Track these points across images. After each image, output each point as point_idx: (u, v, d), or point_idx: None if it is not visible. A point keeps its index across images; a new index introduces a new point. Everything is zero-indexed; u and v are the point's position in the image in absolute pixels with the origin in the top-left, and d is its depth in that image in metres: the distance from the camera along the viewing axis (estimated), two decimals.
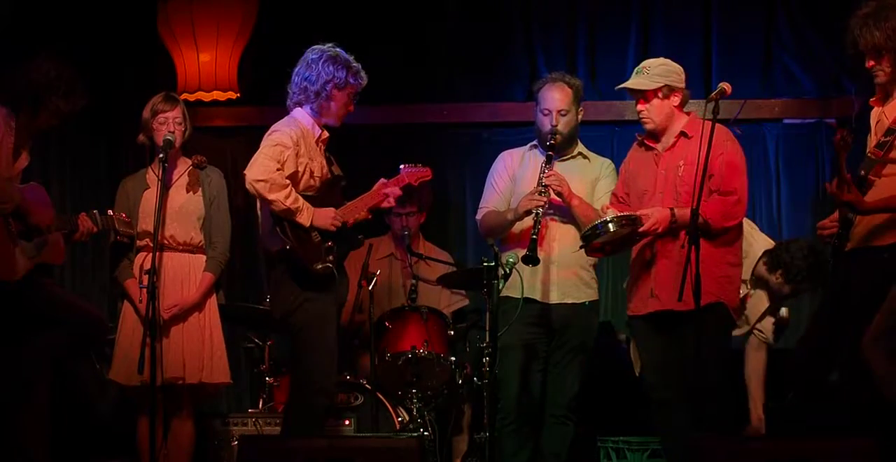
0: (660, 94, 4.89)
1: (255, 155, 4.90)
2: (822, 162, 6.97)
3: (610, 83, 7.02)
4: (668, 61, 4.98)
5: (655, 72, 4.90)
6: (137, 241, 5.28)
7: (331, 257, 4.97)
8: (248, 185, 4.87)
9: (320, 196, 5.04)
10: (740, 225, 4.92)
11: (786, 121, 7.02)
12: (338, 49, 5.08)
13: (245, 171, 4.89)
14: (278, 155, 4.88)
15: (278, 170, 4.85)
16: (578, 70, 6.96)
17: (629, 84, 4.94)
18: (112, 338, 5.36)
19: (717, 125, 4.63)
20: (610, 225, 4.74)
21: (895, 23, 4.31)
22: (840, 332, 4.47)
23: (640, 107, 4.93)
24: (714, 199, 4.78)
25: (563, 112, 5.19)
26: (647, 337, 4.97)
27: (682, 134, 4.88)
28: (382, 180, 5.24)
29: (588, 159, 5.38)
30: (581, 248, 4.92)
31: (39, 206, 4.78)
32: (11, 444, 4.80)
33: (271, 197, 4.83)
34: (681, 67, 4.98)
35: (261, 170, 4.83)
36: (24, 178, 4.88)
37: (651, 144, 4.99)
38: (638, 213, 4.79)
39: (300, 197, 4.93)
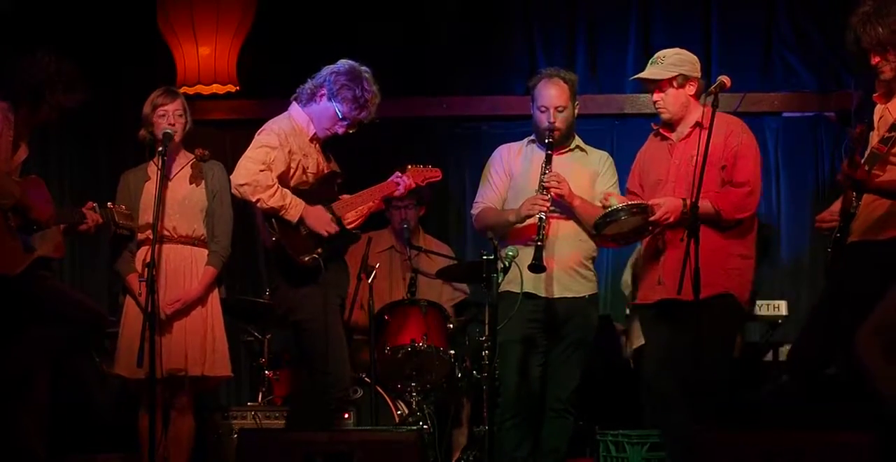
0: (674, 84, 4.87)
1: (241, 159, 4.94)
2: (821, 155, 6.99)
3: (610, 76, 7.09)
4: (683, 51, 4.94)
5: (669, 61, 4.88)
6: (138, 234, 5.29)
7: (319, 250, 4.97)
8: (233, 190, 4.93)
9: (312, 191, 5.04)
10: (754, 217, 4.89)
11: (785, 114, 7.03)
12: (364, 73, 5.01)
13: (231, 176, 4.93)
14: (263, 156, 4.90)
15: (262, 171, 4.87)
16: (578, 63, 6.98)
17: (643, 74, 4.92)
18: (112, 332, 5.35)
19: (734, 117, 4.95)
20: (621, 213, 4.73)
21: None
22: (839, 325, 4.46)
23: (655, 97, 4.92)
24: (726, 190, 4.78)
25: (560, 109, 5.15)
26: (653, 326, 4.94)
27: (698, 124, 4.83)
28: (398, 173, 5.24)
29: (586, 152, 5.36)
30: (592, 237, 4.92)
31: (39, 199, 4.76)
32: (12, 444, 4.80)
33: (255, 198, 4.86)
34: (696, 57, 4.94)
35: (243, 173, 4.88)
36: (24, 171, 4.88)
37: (666, 134, 4.97)
38: (650, 202, 4.77)
39: (288, 193, 4.92)
